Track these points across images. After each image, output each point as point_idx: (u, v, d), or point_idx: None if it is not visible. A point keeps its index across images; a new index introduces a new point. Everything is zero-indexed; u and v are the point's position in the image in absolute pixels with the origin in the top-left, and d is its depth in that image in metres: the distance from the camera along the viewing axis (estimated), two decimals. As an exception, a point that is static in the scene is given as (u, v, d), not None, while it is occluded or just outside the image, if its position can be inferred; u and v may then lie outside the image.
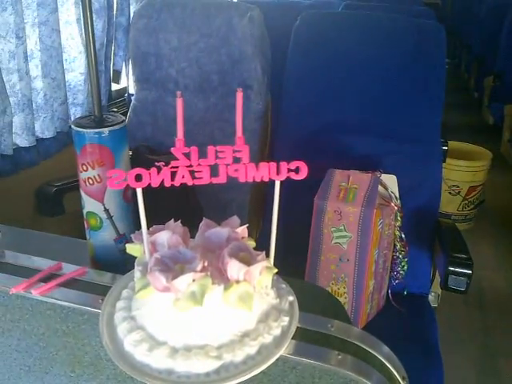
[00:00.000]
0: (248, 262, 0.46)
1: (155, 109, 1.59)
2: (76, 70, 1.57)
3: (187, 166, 0.49)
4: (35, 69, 1.42)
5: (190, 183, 0.49)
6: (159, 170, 0.48)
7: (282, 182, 0.49)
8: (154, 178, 0.47)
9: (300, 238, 1.22)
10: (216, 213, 0.55)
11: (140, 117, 1.61)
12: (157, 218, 0.54)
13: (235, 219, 0.54)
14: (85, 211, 0.68)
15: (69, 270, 0.60)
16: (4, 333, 0.60)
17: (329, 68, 1.46)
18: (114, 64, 1.82)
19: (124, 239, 0.68)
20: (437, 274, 1.39)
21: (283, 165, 0.49)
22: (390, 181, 1.28)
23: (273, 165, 0.49)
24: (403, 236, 1.30)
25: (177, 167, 0.48)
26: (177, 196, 1.35)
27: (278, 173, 0.49)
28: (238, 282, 0.45)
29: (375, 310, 1.28)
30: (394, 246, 1.31)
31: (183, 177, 0.48)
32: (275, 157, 1.49)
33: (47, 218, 1.45)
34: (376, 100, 1.43)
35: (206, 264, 0.46)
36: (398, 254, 1.33)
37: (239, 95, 0.49)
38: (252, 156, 0.49)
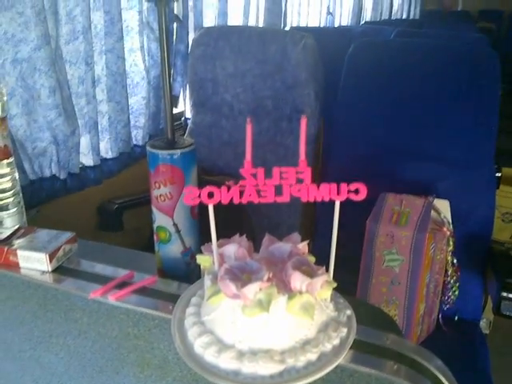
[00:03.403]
0: (310, 275, 0.49)
1: (210, 132, 1.65)
2: (138, 95, 1.66)
3: (254, 186, 0.53)
4: (101, 93, 1.51)
5: (256, 201, 0.53)
6: (229, 188, 0.53)
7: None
8: (225, 195, 0.52)
9: (351, 261, 1.24)
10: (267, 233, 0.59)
11: (196, 139, 1.67)
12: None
13: (296, 236, 0.58)
14: (155, 225, 0.73)
15: (140, 278, 0.65)
16: (80, 335, 0.65)
17: (381, 94, 1.49)
18: (172, 89, 1.90)
19: (190, 252, 0.73)
20: (489, 300, 1.38)
21: (343, 186, 0.52)
22: (443, 206, 1.28)
23: (333, 186, 0.53)
24: (455, 261, 1.29)
25: (244, 186, 0.53)
26: (231, 217, 1.40)
27: (338, 193, 0.52)
28: (300, 292, 0.48)
29: (425, 333, 1.28)
30: (446, 271, 1.31)
31: (250, 195, 0.53)
32: (326, 181, 1.52)
33: (108, 233, 1.53)
34: (429, 125, 1.45)
35: (270, 275, 0.50)
36: (449, 279, 1.32)
37: (303, 122, 0.53)
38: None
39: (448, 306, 1.33)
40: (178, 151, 0.69)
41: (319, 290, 0.50)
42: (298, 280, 0.48)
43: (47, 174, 1.35)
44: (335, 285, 0.52)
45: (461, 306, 1.35)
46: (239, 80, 1.56)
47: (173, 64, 1.86)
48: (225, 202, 0.51)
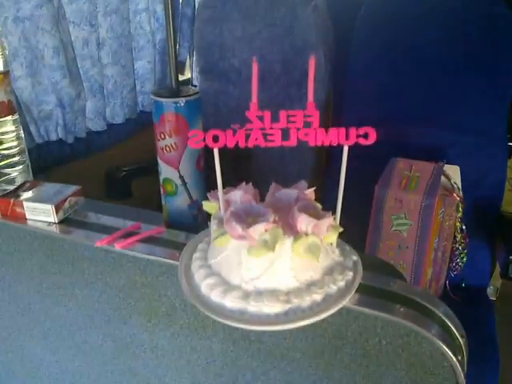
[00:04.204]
0: (316, 217, 0.49)
1: (217, 99, 1.63)
2: (144, 59, 1.63)
3: (260, 129, 0.52)
4: (106, 56, 1.48)
5: (262, 145, 0.52)
6: (235, 132, 0.52)
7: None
8: (230, 139, 0.51)
9: (359, 227, 1.24)
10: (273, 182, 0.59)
11: (203, 107, 1.66)
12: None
13: (303, 183, 0.57)
14: (161, 178, 0.72)
15: (147, 229, 0.65)
16: (88, 285, 0.65)
17: (393, 57, 1.46)
18: (178, 55, 1.88)
19: (196, 205, 0.72)
20: (496, 267, 1.37)
21: (352, 130, 0.51)
22: (453, 171, 1.27)
23: (342, 130, 0.52)
24: (464, 227, 1.28)
25: (251, 129, 0.52)
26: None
27: (346, 138, 0.51)
28: (306, 234, 0.48)
29: (432, 298, 1.28)
30: (454, 237, 1.30)
31: (256, 139, 0.52)
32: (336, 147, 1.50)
33: (115, 200, 1.53)
34: (441, 90, 1.42)
35: (276, 218, 0.49)
36: (457, 245, 1.32)
37: (312, 62, 0.52)
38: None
39: (456, 272, 1.33)
40: (183, 99, 0.68)
41: (325, 233, 0.49)
42: (303, 222, 0.48)
43: (54, 137, 1.34)
44: (341, 229, 0.51)
45: (468, 272, 1.35)
46: (247, 44, 1.53)
47: (179, 28, 1.82)
48: (230, 145, 0.51)
